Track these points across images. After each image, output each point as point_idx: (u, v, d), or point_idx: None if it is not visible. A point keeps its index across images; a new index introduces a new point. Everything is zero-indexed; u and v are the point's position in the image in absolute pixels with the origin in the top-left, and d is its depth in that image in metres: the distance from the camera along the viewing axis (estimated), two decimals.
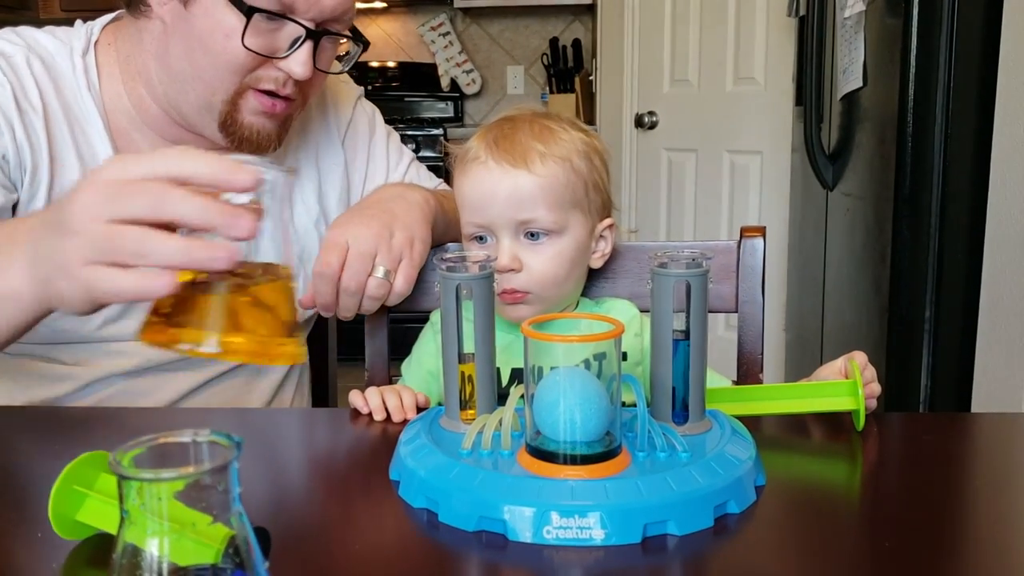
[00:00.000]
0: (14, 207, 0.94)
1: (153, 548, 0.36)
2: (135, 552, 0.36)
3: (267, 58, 0.92)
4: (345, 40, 0.99)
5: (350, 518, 0.68)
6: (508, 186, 0.90)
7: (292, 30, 0.91)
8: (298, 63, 0.92)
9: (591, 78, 3.55)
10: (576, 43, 3.83)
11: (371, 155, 1.19)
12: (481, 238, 0.94)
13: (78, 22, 1.02)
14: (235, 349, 0.61)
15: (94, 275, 0.64)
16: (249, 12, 0.88)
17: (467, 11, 3.89)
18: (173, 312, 0.62)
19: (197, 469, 0.36)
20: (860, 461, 0.79)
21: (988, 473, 0.78)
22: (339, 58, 1.03)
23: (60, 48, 0.99)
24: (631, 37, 3.10)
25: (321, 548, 0.61)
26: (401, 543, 0.64)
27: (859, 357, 0.85)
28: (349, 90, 1.20)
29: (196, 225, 0.61)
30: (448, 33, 3.94)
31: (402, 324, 1.12)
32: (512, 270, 0.91)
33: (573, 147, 0.92)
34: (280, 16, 0.90)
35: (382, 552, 0.62)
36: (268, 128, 0.97)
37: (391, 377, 1.10)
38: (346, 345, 1.40)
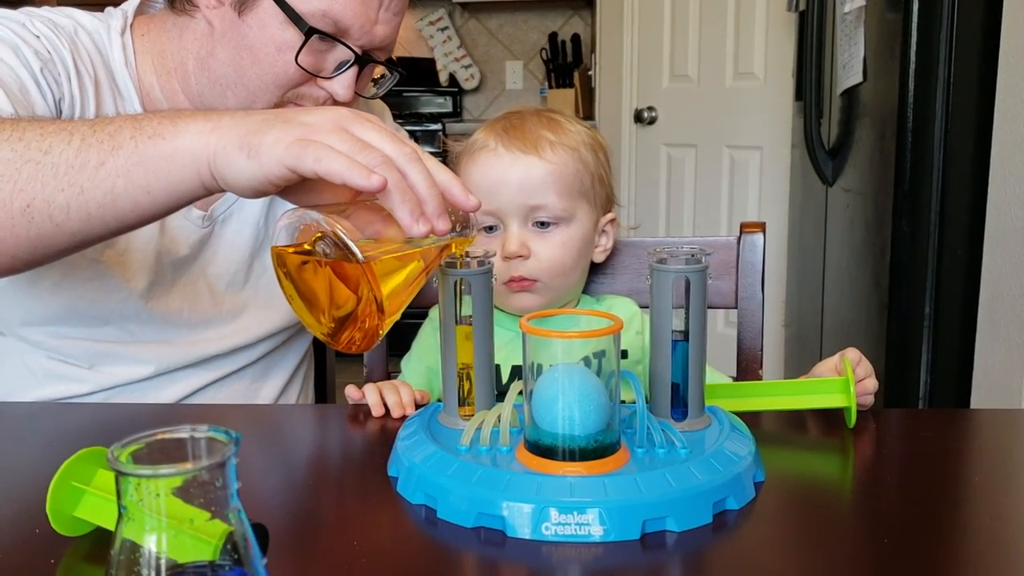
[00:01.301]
0: None
1: (151, 544, 0.36)
2: (133, 548, 0.36)
3: (314, 76, 0.93)
4: (378, 65, 1.00)
5: (348, 514, 0.68)
6: (519, 172, 0.92)
7: (341, 53, 0.93)
8: (342, 86, 0.93)
9: (590, 73, 3.55)
10: (575, 38, 3.82)
11: None
12: (489, 228, 0.94)
13: (109, 7, 1.02)
14: (378, 290, 0.65)
15: (313, 143, 0.64)
16: (309, 32, 0.89)
17: (466, 6, 3.88)
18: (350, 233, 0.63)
19: (195, 465, 0.36)
20: (859, 457, 0.79)
21: (987, 469, 0.78)
22: (373, 81, 1.04)
23: (99, 26, 0.99)
24: (630, 32, 3.09)
25: (319, 544, 0.61)
26: (399, 539, 0.64)
27: (851, 353, 0.85)
28: None
29: (417, 187, 0.65)
30: (447, 28, 3.94)
31: (400, 320, 1.12)
32: (521, 256, 0.92)
33: (580, 138, 0.95)
34: (333, 39, 0.91)
35: (380, 548, 0.62)
36: None
37: (389, 373, 1.09)
38: None
